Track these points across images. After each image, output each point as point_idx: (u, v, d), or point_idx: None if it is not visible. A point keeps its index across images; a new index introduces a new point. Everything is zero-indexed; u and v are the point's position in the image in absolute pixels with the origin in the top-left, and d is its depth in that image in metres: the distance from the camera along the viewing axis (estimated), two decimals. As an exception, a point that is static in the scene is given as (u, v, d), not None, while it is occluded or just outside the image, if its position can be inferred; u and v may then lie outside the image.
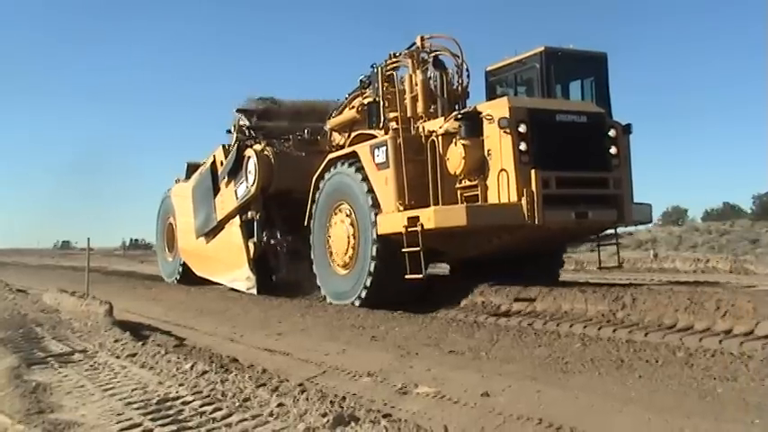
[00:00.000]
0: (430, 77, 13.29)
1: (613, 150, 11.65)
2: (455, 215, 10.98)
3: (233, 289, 17.71)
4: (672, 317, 9.08)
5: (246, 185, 16.74)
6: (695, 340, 8.07)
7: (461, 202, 11.52)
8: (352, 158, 13.30)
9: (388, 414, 5.50)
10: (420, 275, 11.35)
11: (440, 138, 11.86)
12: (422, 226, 11.17)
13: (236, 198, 17.22)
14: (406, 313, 11.38)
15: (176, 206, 22.10)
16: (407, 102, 13.10)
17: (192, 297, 17.10)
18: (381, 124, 13.35)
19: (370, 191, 12.63)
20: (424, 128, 12.48)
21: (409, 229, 11.36)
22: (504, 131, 11.01)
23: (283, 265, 16.66)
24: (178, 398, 6.22)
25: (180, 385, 6.67)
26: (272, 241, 16.68)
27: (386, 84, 13.75)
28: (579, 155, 11.41)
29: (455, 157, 11.52)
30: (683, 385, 5.89)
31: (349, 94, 15.44)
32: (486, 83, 13.16)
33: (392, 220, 11.93)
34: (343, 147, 15.03)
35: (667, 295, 9.47)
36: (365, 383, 6.91)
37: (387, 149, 12.24)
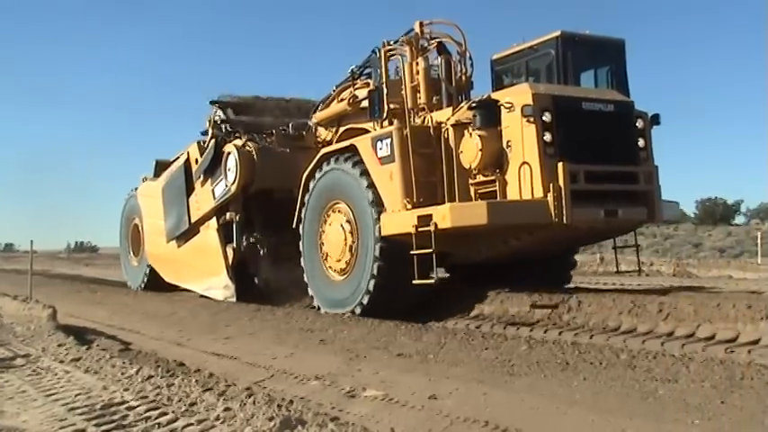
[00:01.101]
0: (432, 65, 12.18)
1: (641, 143, 10.85)
2: (474, 213, 9.92)
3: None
4: (616, 319, 9.24)
5: (226, 184, 15.41)
6: (638, 342, 8.23)
7: (475, 199, 10.54)
8: (349, 153, 12.10)
9: (336, 417, 5.51)
10: (431, 280, 10.48)
11: (450, 129, 10.92)
12: (435, 225, 10.02)
13: (214, 198, 15.91)
14: (355, 317, 11.38)
15: (143, 207, 20.38)
16: (407, 92, 11.86)
17: (139, 300, 16.91)
18: (384, 114, 12.12)
19: (371, 186, 11.46)
20: (432, 118, 11.40)
21: (419, 230, 10.22)
22: (527, 120, 10.02)
23: (265, 272, 15.35)
24: (123, 403, 6.16)
25: (125, 390, 6.60)
26: (253, 245, 15.37)
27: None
28: (607, 147, 10.51)
29: (470, 150, 10.52)
30: (625, 387, 5.98)
31: (337, 86, 14.38)
32: (492, 72, 12.01)
33: (399, 220, 10.79)
34: (330, 142, 14.12)
35: (611, 298, 9.62)
36: (313, 387, 6.90)
37: (392, 142, 11.12)
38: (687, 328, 8.42)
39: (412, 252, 10.30)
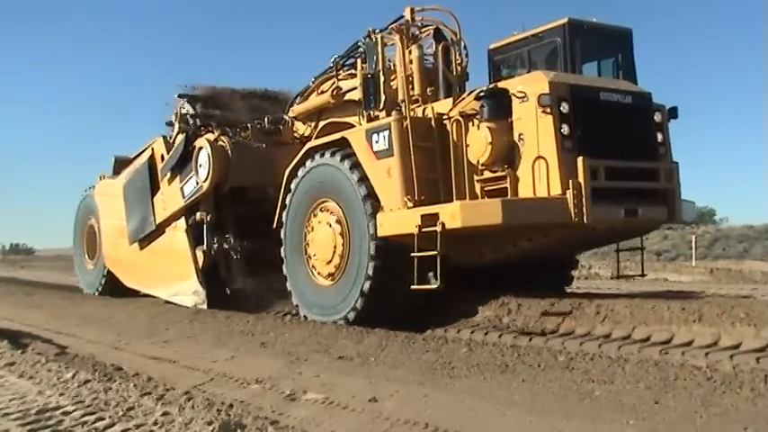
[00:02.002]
0: (426, 54, 11.30)
1: (659, 137, 10.22)
2: (487, 211, 9.09)
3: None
4: (555, 322, 9.34)
5: (196, 181, 14.21)
6: (576, 344, 8.33)
7: (482, 197, 9.75)
8: (338, 147, 11.14)
9: (276, 421, 5.51)
10: (433, 286, 9.45)
11: (452, 121, 10.13)
12: (442, 225, 9.17)
13: (183, 197, 14.69)
14: (296, 319, 11.35)
15: (101, 206, 18.86)
16: (400, 82, 11.02)
17: (76, 304, 16.60)
18: (381, 105, 11.19)
19: (364, 181, 10.50)
20: (433, 109, 10.50)
21: (423, 230, 9.40)
22: (544, 111, 9.27)
23: (239, 276, 14.23)
24: (58, 408, 6.08)
25: (61, 395, 6.51)
26: (225, 247, 14.27)
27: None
28: (626, 141, 9.85)
29: (478, 144, 9.71)
30: (563, 388, 6.07)
31: (316, 78, 13.49)
32: (489, 62, 11.13)
33: (400, 220, 9.88)
34: (309, 137, 13.23)
35: (550, 302, 9.73)
36: (253, 390, 6.87)
37: (390, 134, 10.17)
38: (624, 330, 8.56)
39: (413, 254, 9.50)
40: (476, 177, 9.84)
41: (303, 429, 5.27)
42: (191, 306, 14.12)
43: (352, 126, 11.76)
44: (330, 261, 11.12)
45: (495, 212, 8.98)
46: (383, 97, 11.17)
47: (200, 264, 14.31)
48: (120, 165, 18.25)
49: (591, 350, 7.93)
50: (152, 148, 16.18)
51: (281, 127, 14.45)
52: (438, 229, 9.21)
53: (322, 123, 13.33)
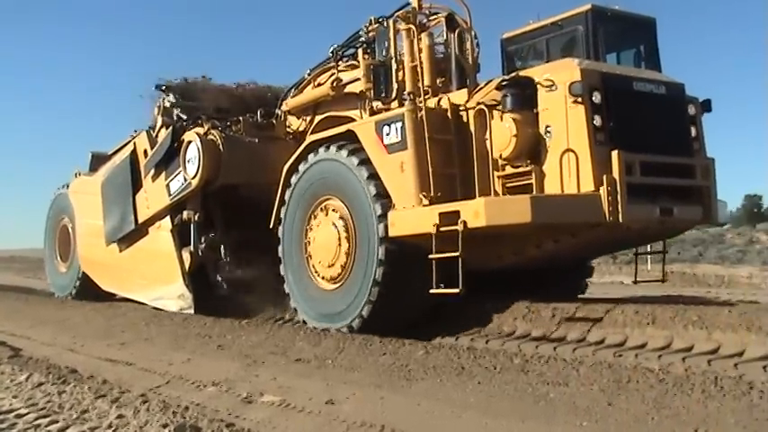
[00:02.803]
0: (435, 43, 10.51)
1: (693, 131, 9.63)
2: (515, 209, 8.33)
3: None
4: (511, 325, 9.42)
5: (184, 177, 13.21)
6: (532, 347, 8.42)
7: (503, 194, 9.00)
8: (344, 141, 10.40)
9: (232, 424, 5.50)
10: (455, 290, 8.57)
11: (470, 112, 9.40)
12: (464, 224, 8.43)
13: (169, 195, 13.73)
14: (254, 321, 11.30)
15: (76, 205, 17.71)
16: (407, 73, 10.07)
17: (31, 306, 16.39)
18: (393, 94, 10.34)
19: (374, 177, 9.76)
20: (449, 99, 9.74)
21: (441, 230, 8.67)
22: (575, 101, 8.59)
23: (228, 280, 13.19)
24: (11, 411, 6.02)
25: (14, 397, 6.45)
26: (213, 249, 13.35)
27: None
28: (661, 134, 9.24)
29: (501, 136, 8.96)
30: (518, 390, 6.13)
31: (311, 70, 12.68)
32: (502, 53, 10.42)
33: (414, 218, 9.13)
34: (304, 133, 12.57)
35: (506, 304, 9.80)
36: (210, 393, 6.84)
37: (403, 126, 9.42)
38: (578, 332, 8.66)
39: (431, 256, 8.74)
40: (496, 173, 9.08)
41: (259, 432, 5.27)
42: (176, 311, 13.35)
43: (353, 120, 11.14)
44: (333, 264, 10.37)
45: (523, 210, 8.24)
46: (395, 86, 10.32)
47: (187, 266, 13.40)
48: (98, 161, 17.35)
49: (546, 353, 8.03)
50: (134, 143, 15.22)
51: (275, 121, 13.65)
52: (459, 228, 8.48)
53: (318, 118, 12.59)
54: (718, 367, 6.97)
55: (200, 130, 13.19)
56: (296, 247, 11.07)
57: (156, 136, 14.61)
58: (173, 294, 13.65)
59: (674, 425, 4.96)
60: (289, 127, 13.39)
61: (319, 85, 12.38)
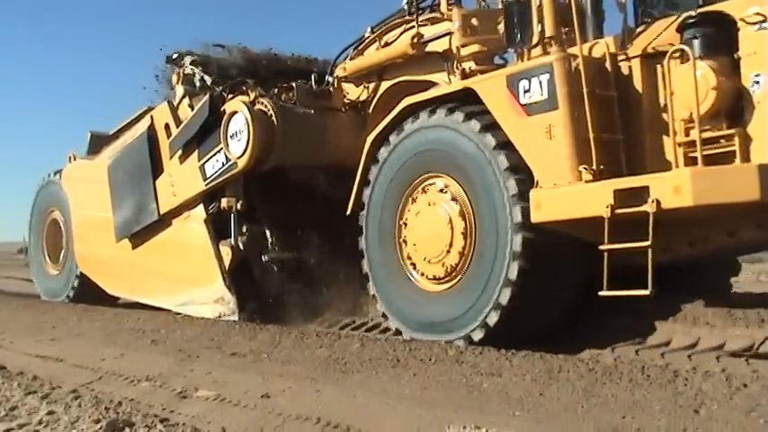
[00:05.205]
0: None
1: None
2: (734, 183, 6.20)
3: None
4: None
5: (227, 157, 10.87)
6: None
7: (685, 165, 6.63)
8: (456, 102, 8.08)
9: (166, 419, 5.46)
10: (645, 292, 6.51)
11: (633, 62, 7.31)
12: (657, 204, 6.36)
13: (204, 179, 11.31)
14: (187, 316, 11.18)
15: (72, 195, 14.83)
16: (535, 15, 7.72)
17: (-45, 302, 15.96)
18: (535, 39, 7.74)
19: (504, 146, 7.48)
20: (607, 45, 7.50)
21: (618, 212, 6.60)
22: None
23: (278, 279, 11.18)
24: (-64, 409, 5.87)
25: (-62, 395, 6.29)
26: (257, 241, 11.26)
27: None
28: None
29: (691, 90, 6.47)
30: (452, 381, 6.18)
31: (373, 28, 10.61)
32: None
33: (575, 198, 6.98)
34: (366, 102, 10.87)
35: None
36: (143, 388, 6.78)
37: (551, 79, 7.18)
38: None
39: (602, 247, 6.71)
40: (676, 139, 6.74)
41: (194, 426, 5.24)
42: (212, 317, 11.07)
43: (435, 85, 9.35)
44: (442, 259, 8.16)
45: (748, 185, 6.14)
46: (535, 30, 7.77)
47: (227, 263, 11.16)
48: (98, 142, 14.69)
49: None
50: (151, 117, 12.58)
51: (331, 89, 11.43)
52: (650, 209, 6.41)
53: (386, 84, 10.58)
54: (646, 357, 7.13)
55: (246, 99, 11.00)
56: (387, 238, 8.88)
57: (178, 108, 12.28)
58: (207, 298, 11.43)
59: (603, 413, 5.07)
60: (345, 96, 11.28)
61: (387, 44, 10.40)
